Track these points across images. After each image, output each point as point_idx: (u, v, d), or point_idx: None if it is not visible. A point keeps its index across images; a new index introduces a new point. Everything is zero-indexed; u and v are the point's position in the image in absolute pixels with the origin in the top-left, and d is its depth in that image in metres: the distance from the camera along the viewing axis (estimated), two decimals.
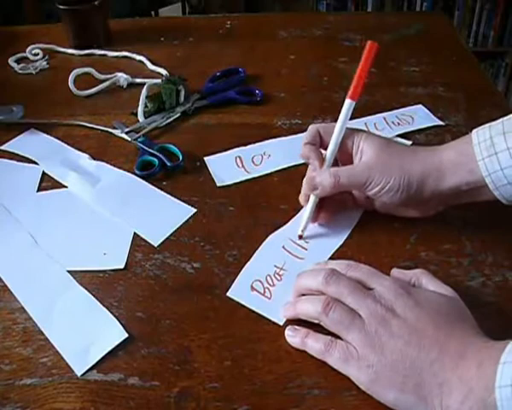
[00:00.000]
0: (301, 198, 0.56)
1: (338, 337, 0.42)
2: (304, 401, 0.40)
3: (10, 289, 0.50)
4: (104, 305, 0.48)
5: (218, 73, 0.80)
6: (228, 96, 0.75)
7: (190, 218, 0.57)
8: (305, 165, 0.63)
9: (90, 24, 0.91)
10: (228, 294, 0.49)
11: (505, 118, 0.49)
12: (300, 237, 0.54)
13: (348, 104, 0.53)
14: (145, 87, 0.75)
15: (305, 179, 0.54)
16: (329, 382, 0.41)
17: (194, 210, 0.58)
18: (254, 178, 0.62)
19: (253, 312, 0.47)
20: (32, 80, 0.84)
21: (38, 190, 0.62)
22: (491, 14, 2.22)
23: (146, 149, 0.66)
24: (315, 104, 0.74)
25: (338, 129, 0.53)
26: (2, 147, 0.69)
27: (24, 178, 0.64)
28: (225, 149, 0.66)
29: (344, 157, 0.54)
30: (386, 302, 0.42)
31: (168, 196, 0.60)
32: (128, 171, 0.64)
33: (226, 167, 0.64)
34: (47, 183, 0.63)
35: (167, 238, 0.55)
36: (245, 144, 0.67)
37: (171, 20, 1.18)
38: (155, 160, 0.64)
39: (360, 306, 0.42)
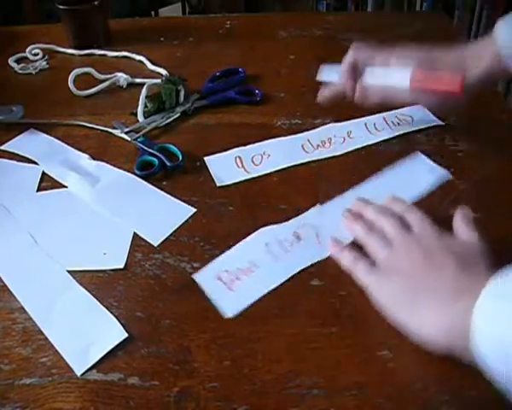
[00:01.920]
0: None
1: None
2: (303, 401, 0.40)
3: (10, 289, 0.50)
4: (104, 305, 0.48)
5: (217, 73, 0.80)
6: (228, 96, 0.75)
7: (190, 218, 0.57)
8: (305, 165, 0.63)
9: (90, 24, 0.91)
10: (192, 276, 0.50)
11: None
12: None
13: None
14: (145, 87, 0.75)
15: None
16: (329, 382, 0.41)
17: (194, 210, 0.58)
18: (254, 178, 0.62)
19: (253, 312, 0.47)
20: (31, 80, 0.85)
21: (38, 190, 0.62)
22: (491, 14, 2.22)
23: (146, 149, 0.66)
24: (315, 104, 0.74)
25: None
26: (2, 147, 0.69)
27: (24, 178, 0.64)
28: (225, 149, 0.66)
29: None
30: (417, 238, 0.48)
31: (168, 195, 0.60)
32: (128, 171, 0.64)
33: (226, 167, 0.64)
34: (47, 183, 0.63)
35: (167, 238, 0.55)
36: (245, 144, 0.67)
37: (171, 20, 1.18)
38: (155, 160, 0.64)
39: (396, 236, 0.49)
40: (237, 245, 0.53)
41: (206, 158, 0.65)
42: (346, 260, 0.50)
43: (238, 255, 0.52)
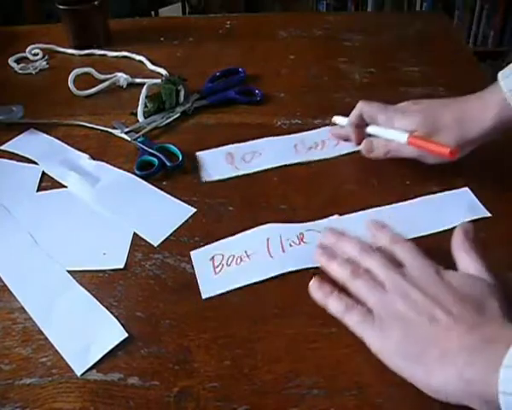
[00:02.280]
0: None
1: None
2: (303, 401, 0.40)
3: (10, 289, 0.50)
4: (104, 305, 0.48)
5: (217, 73, 0.80)
6: (228, 96, 0.75)
7: (190, 218, 0.57)
8: (301, 164, 0.63)
9: (90, 24, 0.91)
10: (190, 253, 0.52)
11: None
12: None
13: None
14: (145, 87, 0.75)
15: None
16: (329, 382, 0.41)
17: (194, 210, 0.58)
18: (249, 175, 0.62)
19: (253, 312, 0.47)
20: (31, 80, 0.85)
21: (38, 190, 0.62)
22: (491, 14, 2.22)
23: (146, 148, 0.66)
24: (315, 104, 0.74)
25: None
26: (2, 147, 0.69)
27: (24, 178, 0.64)
28: None
29: None
30: (412, 279, 0.43)
31: (168, 195, 0.60)
32: (128, 171, 0.64)
33: (216, 163, 0.64)
34: (47, 183, 0.63)
35: (167, 238, 0.55)
36: None
37: (171, 20, 1.19)
38: (155, 160, 0.64)
39: (387, 277, 0.44)
40: (241, 234, 0.54)
41: (197, 153, 0.65)
42: (335, 307, 0.44)
43: (237, 243, 0.54)
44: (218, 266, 0.51)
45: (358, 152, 0.65)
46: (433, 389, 0.39)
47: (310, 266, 0.51)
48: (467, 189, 0.57)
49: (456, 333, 0.39)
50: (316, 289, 0.46)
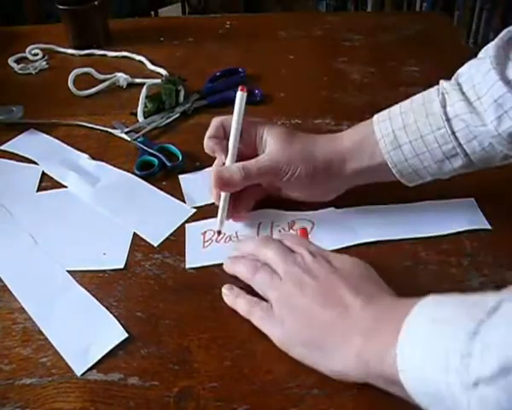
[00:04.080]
0: (213, 196, 0.55)
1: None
2: (303, 401, 0.40)
3: (10, 289, 0.50)
4: (104, 305, 0.48)
5: (217, 73, 0.80)
6: (227, 96, 0.75)
7: (190, 218, 0.57)
8: None
9: (89, 24, 0.91)
10: (186, 225, 0.55)
11: (402, 108, 0.51)
12: (219, 232, 0.54)
13: (240, 96, 0.55)
14: (145, 87, 0.75)
15: (213, 175, 0.53)
16: (328, 382, 0.41)
17: (194, 210, 0.58)
18: None
19: None
20: (31, 80, 0.85)
21: (38, 190, 0.62)
22: (491, 14, 2.22)
23: (146, 149, 0.66)
24: (315, 104, 0.74)
25: (235, 121, 0.54)
26: (2, 147, 0.69)
27: (24, 178, 0.64)
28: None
29: (248, 149, 0.55)
30: (305, 264, 0.44)
31: (168, 196, 0.60)
32: (128, 171, 0.64)
33: (199, 187, 0.60)
34: (47, 183, 0.63)
35: (167, 238, 0.55)
36: None
37: (171, 20, 1.19)
38: (155, 160, 0.64)
39: (281, 266, 0.45)
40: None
41: (180, 176, 0.62)
42: (241, 307, 0.46)
43: (231, 223, 0.55)
44: (207, 241, 0.53)
45: None
46: (335, 373, 0.40)
47: None
48: (472, 199, 0.57)
49: (351, 316, 0.40)
50: (226, 295, 0.47)
